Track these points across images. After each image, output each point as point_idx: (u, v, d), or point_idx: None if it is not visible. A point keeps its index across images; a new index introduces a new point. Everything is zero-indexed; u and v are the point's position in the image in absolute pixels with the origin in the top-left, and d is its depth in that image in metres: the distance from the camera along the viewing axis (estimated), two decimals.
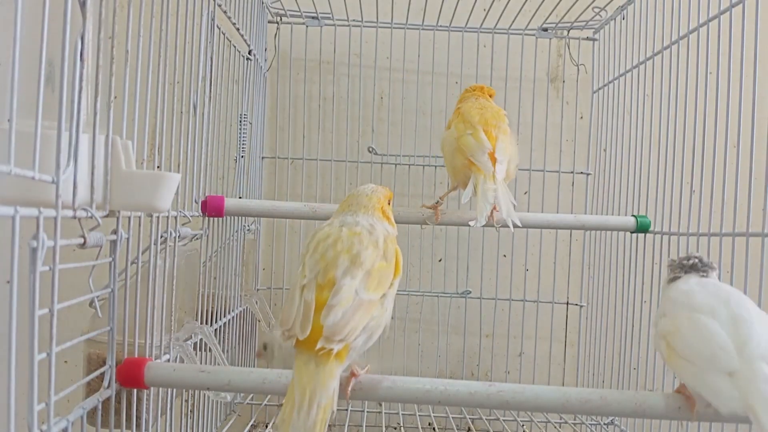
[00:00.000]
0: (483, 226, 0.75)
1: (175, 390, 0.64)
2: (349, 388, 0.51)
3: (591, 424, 1.02)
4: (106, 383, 0.51)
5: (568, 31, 1.11)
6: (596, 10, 1.00)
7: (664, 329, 0.51)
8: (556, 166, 1.11)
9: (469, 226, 0.74)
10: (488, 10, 1.06)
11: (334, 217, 0.56)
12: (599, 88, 1.09)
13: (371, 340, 0.49)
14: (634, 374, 0.91)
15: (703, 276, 0.56)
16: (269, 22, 1.08)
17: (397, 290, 0.53)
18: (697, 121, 0.76)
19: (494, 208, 0.81)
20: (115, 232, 0.48)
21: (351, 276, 0.48)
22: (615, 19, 1.01)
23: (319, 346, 0.44)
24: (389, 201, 0.59)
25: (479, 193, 0.74)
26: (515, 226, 0.74)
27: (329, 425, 0.97)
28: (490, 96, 0.90)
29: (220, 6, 0.74)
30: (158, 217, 0.57)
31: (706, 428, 0.71)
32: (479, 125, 0.79)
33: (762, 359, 0.46)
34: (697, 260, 0.57)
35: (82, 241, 0.42)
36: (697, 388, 0.48)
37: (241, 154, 0.96)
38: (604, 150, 1.07)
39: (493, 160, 0.76)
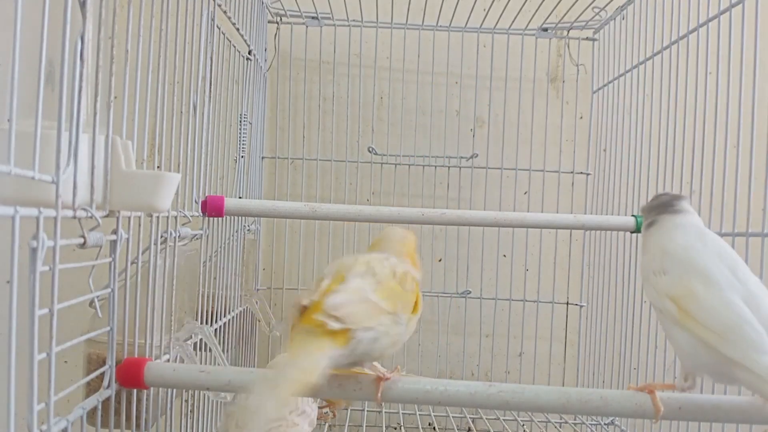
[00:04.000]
0: None
1: (175, 390, 0.64)
2: (379, 393, 0.51)
3: (591, 424, 1.02)
4: (106, 383, 0.51)
5: (568, 31, 1.11)
6: (596, 10, 1.00)
7: (673, 292, 0.48)
8: (555, 166, 1.11)
9: None
10: (488, 10, 1.06)
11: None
12: (599, 88, 1.09)
13: (379, 345, 0.48)
14: (634, 374, 0.91)
15: (676, 214, 0.53)
16: (269, 22, 1.08)
17: None
18: (697, 121, 0.76)
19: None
20: (115, 232, 0.48)
21: (361, 278, 0.49)
22: (615, 19, 1.01)
23: (317, 318, 0.45)
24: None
25: None
26: None
27: (329, 425, 0.98)
28: None
29: (220, 6, 0.74)
30: (158, 217, 0.57)
31: (712, 428, 0.71)
32: None
33: None
34: (668, 198, 0.54)
35: (82, 241, 0.42)
36: (732, 357, 0.45)
37: (241, 154, 0.96)
38: (604, 150, 1.07)
39: None
